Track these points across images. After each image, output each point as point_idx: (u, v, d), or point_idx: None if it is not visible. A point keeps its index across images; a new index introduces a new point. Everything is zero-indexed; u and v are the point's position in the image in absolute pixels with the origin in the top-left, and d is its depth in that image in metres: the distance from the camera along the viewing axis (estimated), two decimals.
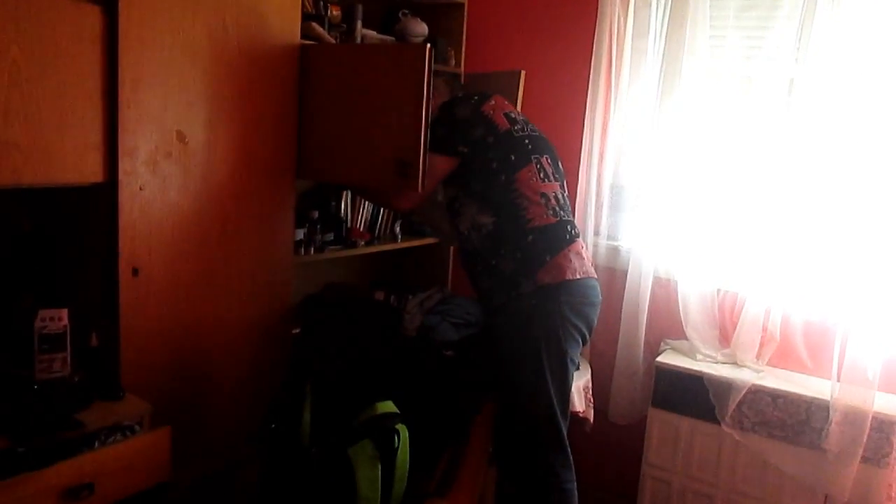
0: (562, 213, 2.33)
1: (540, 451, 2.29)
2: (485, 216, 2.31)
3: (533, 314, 2.23)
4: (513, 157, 2.31)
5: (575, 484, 2.35)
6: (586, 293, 2.30)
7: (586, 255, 2.37)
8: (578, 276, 2.27)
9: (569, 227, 2.33)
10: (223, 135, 2.25)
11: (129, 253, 2.06)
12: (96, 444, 1.82)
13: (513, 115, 2.41)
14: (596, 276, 2.38)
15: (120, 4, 1.93)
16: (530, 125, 2.44)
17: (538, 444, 2.28)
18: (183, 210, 2.18)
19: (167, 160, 2.12)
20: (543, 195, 2.30)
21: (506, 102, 2.46)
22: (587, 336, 2.34)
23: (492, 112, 2.36)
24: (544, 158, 2.37)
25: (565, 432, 2.31)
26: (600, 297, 2.37)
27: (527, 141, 2.36)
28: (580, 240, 2.37)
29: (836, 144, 2.58)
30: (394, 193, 2.41)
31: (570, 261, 2.26)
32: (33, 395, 1.87)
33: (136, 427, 1.94)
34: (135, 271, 2.08)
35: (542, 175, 2.33)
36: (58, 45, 1.83)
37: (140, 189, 2.06)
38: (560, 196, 2.37)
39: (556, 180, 2.38)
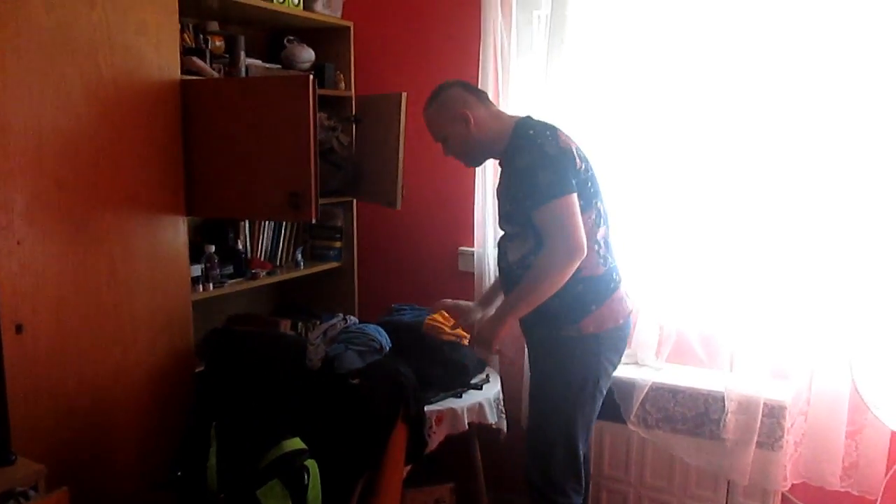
0: (609, 258, 2.31)
1: (562, 481, 2.37)
2: (536, 256, 2.20)
3: (576, 359, 2.27)
4: (581, 202, 2.18)
5: None
6: (625, 330, 2.38)
7: (625, 294, 2.38)
8: (620, 322, 2.32)
9: (614, 275, 2.32)
10: (105, 178, 2.19)
11: (12, 310, 1.98)
12: None
13: (581, 153, 2.27)
14: (631, 309, 2.41)
15: None
16: (588, 161, 2.29)
17: (563, 475, 2.36)
18: (67, 260, 2.11)
19: (46, 210, 2.04)
20: (597, 242, 2.26)
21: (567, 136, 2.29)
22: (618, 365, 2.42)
23: (573, 148, 2.22)
24: (599, 202, 2.30)
25: (582, 461, 2.40)
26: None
27: (589, 184, 2.25)
28: (622, 284, 2.37)
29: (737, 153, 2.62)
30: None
31: (613, 310, 2.28)
32: None
33: (31, 492, 1.86)
34: (18, 328, 2.00)
35: (597, 220, 2.27)
36: None
37: (18, 243, 1.98)
38: (608, 240, 2.32)
39: (605, 223, 2.32)
